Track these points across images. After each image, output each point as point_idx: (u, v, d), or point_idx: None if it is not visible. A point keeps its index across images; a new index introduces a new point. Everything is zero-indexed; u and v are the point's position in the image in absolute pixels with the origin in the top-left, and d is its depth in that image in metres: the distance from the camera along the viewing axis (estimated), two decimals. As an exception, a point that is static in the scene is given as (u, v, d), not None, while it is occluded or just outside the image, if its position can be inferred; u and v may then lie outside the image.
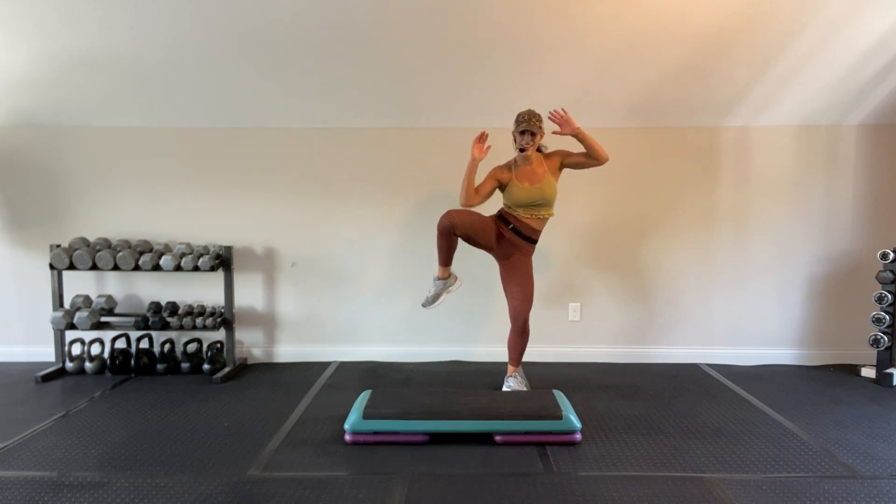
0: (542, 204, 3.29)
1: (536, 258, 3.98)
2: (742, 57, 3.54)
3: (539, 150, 3.37)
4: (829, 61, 3.58)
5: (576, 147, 3.38)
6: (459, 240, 3.30)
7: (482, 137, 3.28)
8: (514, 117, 3.28)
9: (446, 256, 3.33)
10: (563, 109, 3.22)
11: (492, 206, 3.53)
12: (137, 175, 4.16)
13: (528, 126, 3.18)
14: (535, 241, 3.40)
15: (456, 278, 3.47)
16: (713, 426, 3.07)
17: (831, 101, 3.91)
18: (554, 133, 3.28)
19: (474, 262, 4.04)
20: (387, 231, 4.21)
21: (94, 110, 3.98)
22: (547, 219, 3.37)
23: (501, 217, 3.37)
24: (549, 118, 3.24)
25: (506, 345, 3.94)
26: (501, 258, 3.44)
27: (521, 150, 3.24)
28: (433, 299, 3.44)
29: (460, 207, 3.30)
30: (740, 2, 3.18)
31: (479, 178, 3.36)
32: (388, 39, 3.42)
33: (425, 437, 2.83)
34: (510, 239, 3.35)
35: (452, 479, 2.48)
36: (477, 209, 3.36)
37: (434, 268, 4.15)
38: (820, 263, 4.19)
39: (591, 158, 3.29)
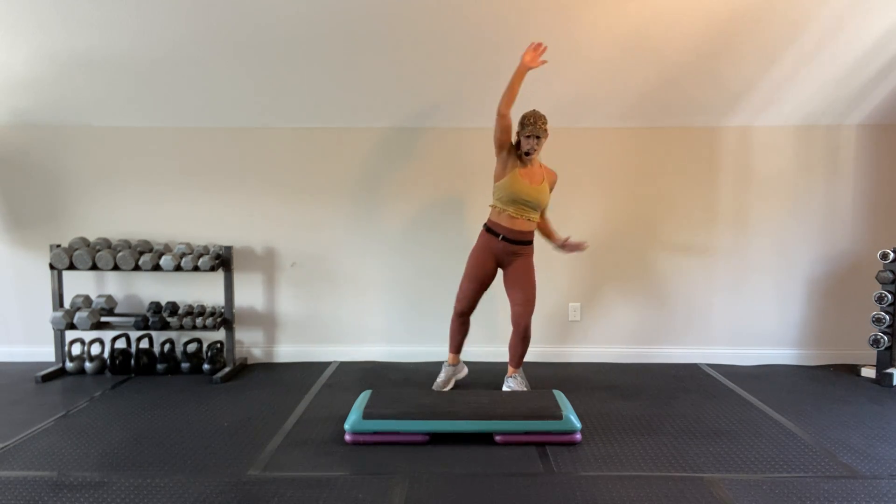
0: (534, 206, 3.31)
1: (538, 258, 3.98)
2: (742, 57, 3.54)
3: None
4: (829, 61, 3.58)
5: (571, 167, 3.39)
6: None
7: (538, 46, 3.14)
8: (519, 119, 3.27)
9: (458, 344, 3.57)
10: (586, 245, 3.43)
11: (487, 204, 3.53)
12: (137, 175, 4.16)
13: (533, 130, 3.18)
14: (529, 242, 3.39)
15: (463, 366, 3.69)
16: (713, 426, 3.07)
17: (831, 101, 3.91)
18: (566, 243, 3.44)
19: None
20: (387, 230, 4.21)
21: (94, 110, 3.98)
22: (534, 223, 3.38)
23: (489, 230, 3.37)
24: (576, 245, 3.40)
25: (506, 345, 3.94)
26: (504, 266, 3.44)
27: (527, 154, 3.24)
28: (443, 384, 3.59)
29: (458, 295, 3.46)
30: (741, 2, 3.18)
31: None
32: (389, 40, 3.42)
33: (425, 437, 2.83)
34: (504, 248, 3.35)
35: (452, 479, 2.48)
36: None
37: (433, 272, 4.16)
38: (820, 263, 4.19)
39: (541, 220, 3.49)
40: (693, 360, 4.26)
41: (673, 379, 3.87)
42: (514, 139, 3.32)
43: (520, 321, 3.41)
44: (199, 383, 3.78)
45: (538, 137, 3.21)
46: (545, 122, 3.21)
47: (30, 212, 4.18)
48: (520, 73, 3.15)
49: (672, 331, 4.25)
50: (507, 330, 3.66)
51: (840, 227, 4.17)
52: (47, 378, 3.82)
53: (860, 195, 4.15)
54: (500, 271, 3.52)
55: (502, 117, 3.17)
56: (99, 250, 3.84)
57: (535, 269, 3.99)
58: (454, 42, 3.44)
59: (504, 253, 3.36)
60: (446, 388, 3.56)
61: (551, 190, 3.44)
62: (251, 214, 4.20)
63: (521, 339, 3.46)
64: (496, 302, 4.21)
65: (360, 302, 4.26)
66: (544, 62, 3.20)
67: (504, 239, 3.32)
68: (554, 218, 3.97)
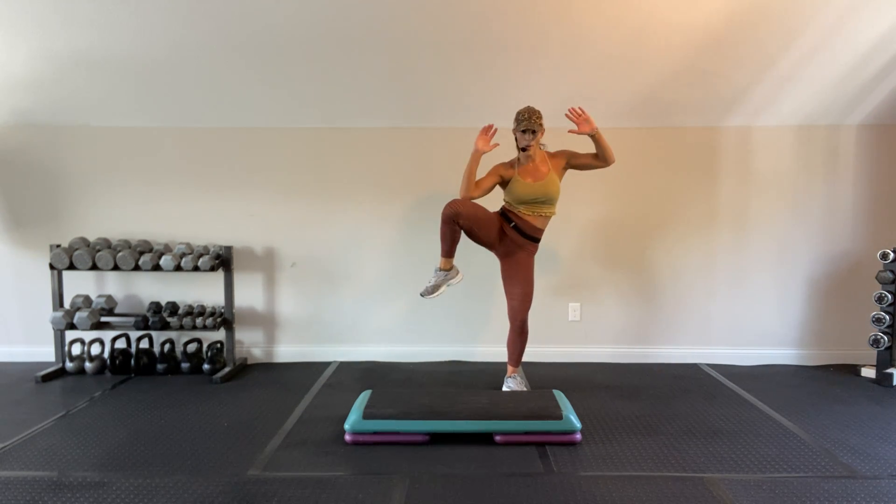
0: (545, 202, 3.29)
1: (537, 257, 3.98)
2: (742, 57, 3.54)
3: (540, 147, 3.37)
4: (829, 61, 3.58)
5: (581, 146, 3.40)
6: (463, 235, 3.31)
7: (488, 129, 3.26)
8: (514, 115, 3.28)
9: (449, 247, 3.31)
10: (580, 108, 3.22)
11: (494, 202, 3.53)
12: (137, 175, 4.16)
13: (528, 125, 3.17)
14: (537, 240, 3.39)
15: (457, 271, 3.46)
16: (713, 426, 3.07)
17: (831, 101, 3.91)
18: (570, 132, 3.26)
19: (475, 262, 4.04)
20: (387, 231, 4.21)
21: (94, 110, 3.98)
22: (549, 217, 3.36)
23: (504, 214, 3.37)
24: (567, 116, 3.23)
25: (505, 344, 3.93)
26: (503, 256, 3.44)
27: (524, 150, 3.24)
28: (433, 290, 3.40)
29: (453, 202, 3.26)
30: (741, 2, 3.18)
31: (482, 173, 3.34)
32: (388, 39, 3.42)
33: (425, 437, 2.83)
34: (512, 237, 3.34)
35: (452, 479, 2.48)
36: (481, 203, 3.36)
37: (434, 266, 4.16)
38: (820, 263, 4.19)
39: (599, 160, 3.28)
40: (693, 360, 4.26)
41: (673, 379, 3.87)
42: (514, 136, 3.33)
43: (516, 316, 3.42)
44: (199, 383, 3.78)
45: (533, 132, 3.20)
46: (540, 117, 3.21)
47: (30, 212, 4.18)
48: (474, 158, 3.22)
49: (672, 331, 4.25)
50: (506, 329, 3.66)
51: (840, 227, 4.17)
52: (47, 378, 3.81)
53: (860, 195, 4.15)
54: (496, 266, 3.52)
55: (471, 198, 3.25)
56: (99, 250, 3.84)
57: (537, 268, 3.99)
58: (454, 42, 3.44)
59: (510, 240, 3.36)
60: (436, 294, 3.40)
61: (570, 161, 3.33)
62: (251, 214, 4.20)
63: (518, 334, 3.46)
64: (495, 302, 4.21)
65: (360, 302, 4.26)
66: (497, 145, 3.25)
67: (515, 227, 3.32)
68: (555, 219, 3.95)
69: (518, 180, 3.26)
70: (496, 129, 3.27)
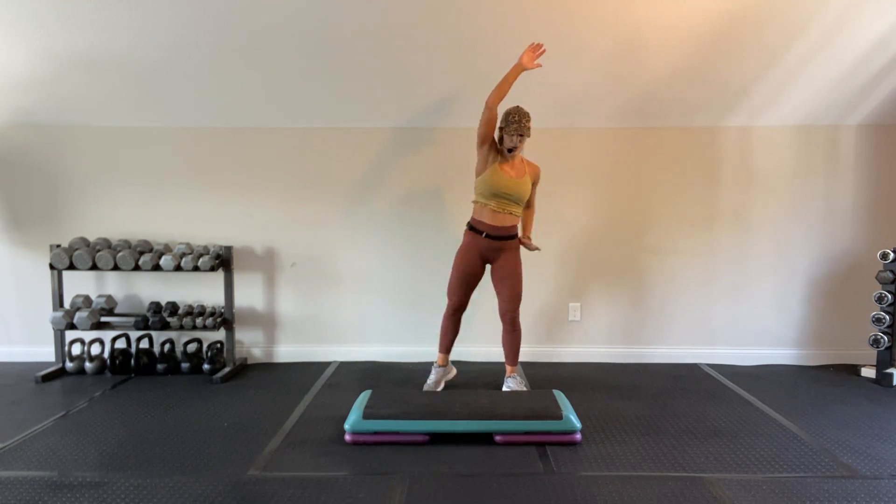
0: (515, 200, 3.32)
1: (537, 258, 3.99)
2: (742, 57, 3.54)
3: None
4: (829, 61, 3.58)
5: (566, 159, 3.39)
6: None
7: (537, 47, 3.21)
8: (503, 114, 3.28)
9: (449, 343, 3.57)
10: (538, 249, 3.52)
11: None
12: (137, 175, 4.16)
13: (518, 129, 3.20)
14: (514, 237, 3.41)
15: (452, 367, 3.71)
16: (713, 426, 3.07)
17: (831, 101, 3.91)
18: (526, 241, 3.49)
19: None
20: (387, 230, 4.21)
21: (94, 110, 3.98)
22: (517, 217, 3.39)
23: (472, 228, 3.38)
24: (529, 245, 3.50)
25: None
26: (492, 262, 3.46)
27: (510, 151, 3.26)
28: (435, 385, 3.60)
29: (448, 292, 3.49)
30: (741, 2, 3.18)
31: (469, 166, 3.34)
32: (388, 40, 3.42)
33: (425, 437, 2.83)
34: (489, 245, 3.36)
35: (452, 479, 2.48)
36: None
37: (433, 272, 4.17)
38: (820, 263, 4.19)
39: (526, 209, 3.54)
40: (693, 359, 4.26)
41: (673, 379, 3.87)
42: (496, 134, 3.34)
43: (506, 314, 3.45)
44: (199, 383, 3.78)
45: (521, 135, 3.22)
46: (529, 121, 3.23)
47: (30, 212, 4.18)
48: (515, 71, 3.19)
49: (672, 331, 4.25)
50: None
51: (840, 227, 4.17)
52: (47, 378, 3.81)
53: (860, 195, 4.15)
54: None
55: (489, 110, 3.19)
56: (99, 250, 3.84)
57: (536, 268, 4.00)
58: (453, 43, 3.44)
59: (489, 250, 3.38)
60: (437, 390, 3.56)
61: (535, 184, 3.47)
62: (251, 214, 4.20)
63: (511, 332, 3.48)
64: (495, 302, 4.20)
65: (360, 302, 4.26)
66: (539, 66, 3.23)
67: (487, 236, 3.34)
68: (556, 219, 3.97)
69: (498, 169, 3.27)
70: (544, 50, 3.25)
